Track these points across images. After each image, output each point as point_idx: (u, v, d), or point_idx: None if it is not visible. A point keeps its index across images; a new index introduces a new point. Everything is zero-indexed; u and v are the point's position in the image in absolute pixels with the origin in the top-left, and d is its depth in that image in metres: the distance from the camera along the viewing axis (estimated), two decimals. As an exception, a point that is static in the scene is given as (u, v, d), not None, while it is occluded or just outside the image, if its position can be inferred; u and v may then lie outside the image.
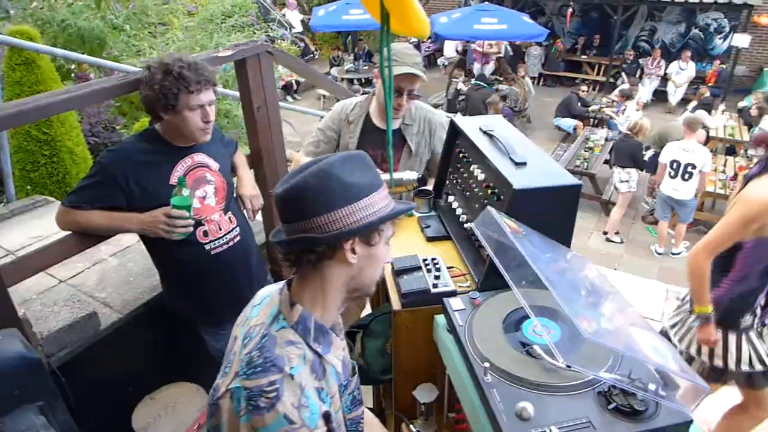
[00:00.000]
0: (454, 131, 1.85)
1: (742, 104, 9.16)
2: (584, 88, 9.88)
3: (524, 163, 1.46)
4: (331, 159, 1.01)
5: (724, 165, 6.88)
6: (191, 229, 1.82)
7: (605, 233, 6.55)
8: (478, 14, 9.70)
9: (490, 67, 11.04)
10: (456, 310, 1.32)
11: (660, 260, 6.08)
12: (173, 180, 1.83)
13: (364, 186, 1.02)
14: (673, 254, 6.09)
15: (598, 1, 11.58)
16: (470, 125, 1.75)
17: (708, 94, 9.89)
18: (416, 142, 2.27)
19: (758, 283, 2.03)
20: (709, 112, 8.50)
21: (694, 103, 9.80)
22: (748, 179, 2.03)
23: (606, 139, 7.79)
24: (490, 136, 1.65)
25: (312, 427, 0.96)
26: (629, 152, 6.42)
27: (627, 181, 6.42)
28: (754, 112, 8.18)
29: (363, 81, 11.11)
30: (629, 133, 6.62)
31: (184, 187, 1.76)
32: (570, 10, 12.72)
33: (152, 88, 1.70)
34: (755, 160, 2.08)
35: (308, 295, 1.08)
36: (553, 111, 9.59)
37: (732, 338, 2.10)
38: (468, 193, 1.70)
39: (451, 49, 13.18)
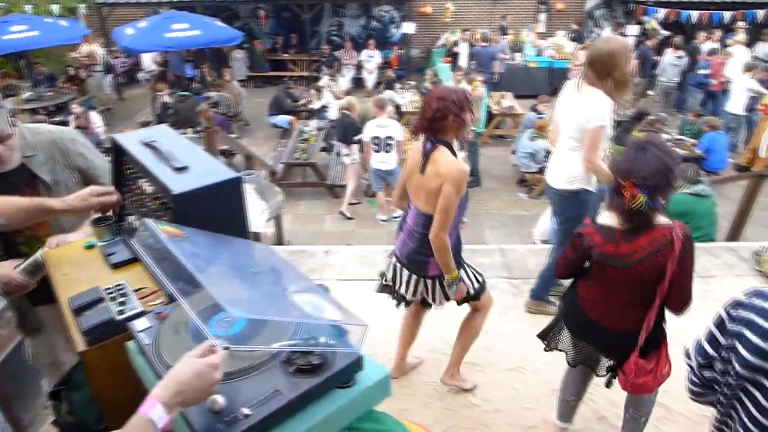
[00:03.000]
0: (118, 149, 1.75)
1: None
2: (292, 84, 10.37)
3: (185, 168, 1.47)
4: None
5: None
6: None
7: (341, 213, 7.09)
8: (166, 22, 9.29)
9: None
10: (141, 330, 1.27)
11: (385, 226, 6.84)
12: None
13: None
14: (394, 218, 6.90)
15: (284, 1, 12.18)
16: (131, 140, 1.69)
17: (393, 75, 11.34)
18: (49, 171, 2.00)
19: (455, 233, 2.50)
20: (395, 90, 9.78)
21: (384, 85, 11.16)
22: (427, 155, 2.33)
23: (318, 129, 8.35)
24: (153, 147, 1.61)
25: None
26: (344, 129, 7.04)
27: (349, 154, 7.02)
28: (429, 86, 9.72)
29: (51, 109, 9.65)
30: (346, 112, 7.22)
31: None
32: (262, 12, 13.12)
33: None
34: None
35: None
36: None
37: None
38: (144, 209, 1.64)
39: (149, 61, 12.41)
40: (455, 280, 2.51)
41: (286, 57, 13.49)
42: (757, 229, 5.80)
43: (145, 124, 9.24)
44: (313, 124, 8.65)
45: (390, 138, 6.37)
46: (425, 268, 2.54)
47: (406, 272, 2.61)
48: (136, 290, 1.50)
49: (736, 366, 1.12)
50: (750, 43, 10.79)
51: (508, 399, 2.92)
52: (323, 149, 8.08)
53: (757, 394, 1.09)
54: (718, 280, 3.95)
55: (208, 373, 1.01)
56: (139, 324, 1.29)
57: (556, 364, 3.10)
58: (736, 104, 8.85)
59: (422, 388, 2.99)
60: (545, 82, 11.65)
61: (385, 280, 2.75)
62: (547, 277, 3.44)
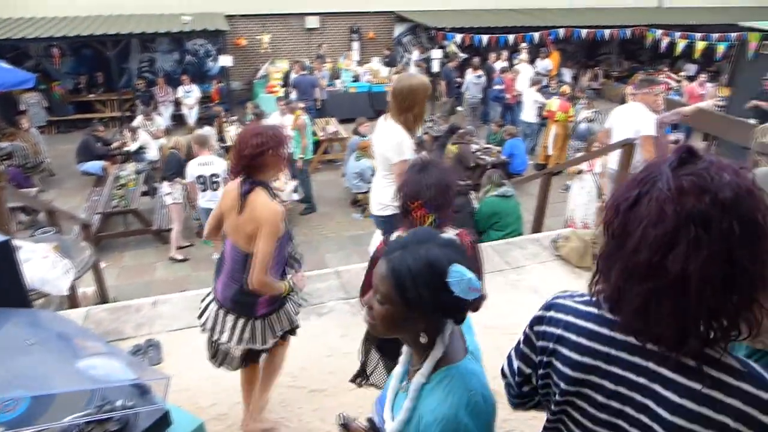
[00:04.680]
0: None
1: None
2: (101, 127, 9.53)
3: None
4: None
5: (245, 167, 7.90)
6: None
7: (171, 258, 6.66)
8: (-67, 68, 8.00)
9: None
10: None
11: (223, 265, 6.57)
12: None
13: None
14: (231, 256, 6.68)
15: (83, 38, 11.15)
16: None
17: (222, 110, 10.94)
18: None
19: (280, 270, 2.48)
20: (212, 125, 9.55)
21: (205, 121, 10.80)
22: (244, 196, 2.26)
23: (137, 172, 7.79)
24: None
25: None
26: (168, 166, 6.72)
27: (170, 193, 6.65)
28: (252, 117, 9.63)
29: None
30: (174, 150, 6.89)
31: None
32: (56, 50, 11.90)
33: None
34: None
35: None
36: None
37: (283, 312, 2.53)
38: None
39: None
40: (291, 289, 2.47)
41: (92, 98, 12.38)
42: (558, 219, 6.70)
43: None
44: (131, 167, 8.03)
45: (215, 175, 6.16)
46: (254, 309, 2.43)
47: (231, 317, 2.45)
48: None
49: (561, 384, 1.11)
50: (532, 61, 12.53)
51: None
52: (145, 193, 7.55)
53: (585, 405, 1.09)
54: (528, 269, 4.47)
55: None
56: None
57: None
58: (528, 114, 10.19)
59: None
60: (367, 106, 12.27)
61: (203, 328, 2.56)
62: None
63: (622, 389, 1.03)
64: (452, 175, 2.03)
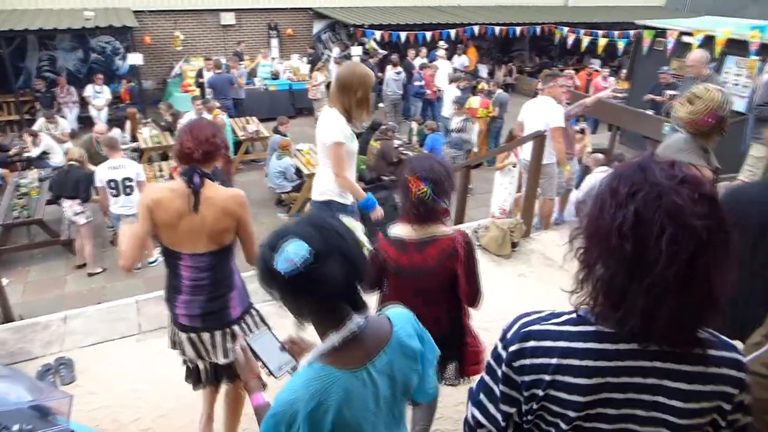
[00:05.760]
0: None
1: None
2: (-3, 131, 8.79)
3: None
4: None
5: (161, 170, 7.57)
6: None
7: (89, 274, 6.26)
8: None
9: None
10: None
11: (142, 274, 6.26)
12: None
13: None
14: (150, 264, 6.36)
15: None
16: None
17: (137, 112, 10.32)
18: None
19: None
20: (122, 127, 9.05)
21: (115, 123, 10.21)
22: (197, 190, 2.14)
23: (40, 180, 7.23)
24: None
25: None
26: (76, 182, 6.21)
27: (83, 212, 6.22)
28: (169, 118, 9.22)
29: None
30: (74, 163, 6.38)
31: None
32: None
33: None
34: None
35: None
36: (-32, 165, 8.18)
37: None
38: None
39: None
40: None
41: (-15, 100, 11.39)
42: (481, 210, 6.92)
43: None
44: (33, 174, 7.43)
45: (128, 179, 5.86)
46: (226, 312, 2.32)
47: (206, 335, 2.32)
48: None
49: (569, 413, 1.04)
50: (450, 57, 12.84)
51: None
52: (50, 202, 7.02)
53: (597, 424, 1.06)
54: (451, 260, 4.59)
55: None
56: None
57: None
58: (448, 110, 10.43)
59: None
60: (288, 104, 12.10)
61: (191, 363, 2.43)
62: None
63: (631, 395, 1.03)
64: (450, 168, 2.17)
